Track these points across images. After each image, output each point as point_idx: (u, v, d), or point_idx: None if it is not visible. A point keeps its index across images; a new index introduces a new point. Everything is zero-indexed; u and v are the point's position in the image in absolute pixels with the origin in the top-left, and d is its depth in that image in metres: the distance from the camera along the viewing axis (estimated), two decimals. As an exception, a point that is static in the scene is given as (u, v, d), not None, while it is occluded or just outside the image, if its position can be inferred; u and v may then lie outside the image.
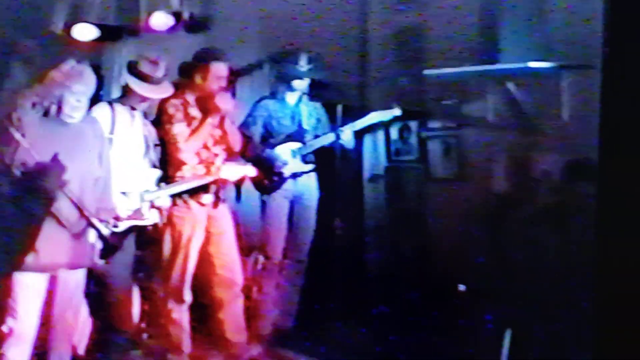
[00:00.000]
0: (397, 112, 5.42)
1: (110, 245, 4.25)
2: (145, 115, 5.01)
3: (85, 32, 6.00)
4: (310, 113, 5.57)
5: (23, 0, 5.94)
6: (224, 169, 5.12)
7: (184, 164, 5.06)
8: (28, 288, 4.10)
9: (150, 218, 4.89)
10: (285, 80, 5.47)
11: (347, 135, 5.39)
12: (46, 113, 4.11)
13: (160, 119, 5.07)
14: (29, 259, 4.03)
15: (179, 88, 5.05)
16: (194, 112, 5.10)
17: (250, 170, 5.23)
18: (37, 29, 6.03)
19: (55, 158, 3.99)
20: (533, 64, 4.89)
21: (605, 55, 3.07)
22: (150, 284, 5.26)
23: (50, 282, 4.18)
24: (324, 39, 5.61)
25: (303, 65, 5.39)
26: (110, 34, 6.08)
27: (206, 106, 5.07)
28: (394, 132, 5.60)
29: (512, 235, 4.97)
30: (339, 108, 5.32)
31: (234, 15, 5.84)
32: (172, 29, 5.92)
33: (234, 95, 5.48)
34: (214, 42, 5.69)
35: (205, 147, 5.12)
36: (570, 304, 4.23)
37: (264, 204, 5.51)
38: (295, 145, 5.50)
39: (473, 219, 5.09)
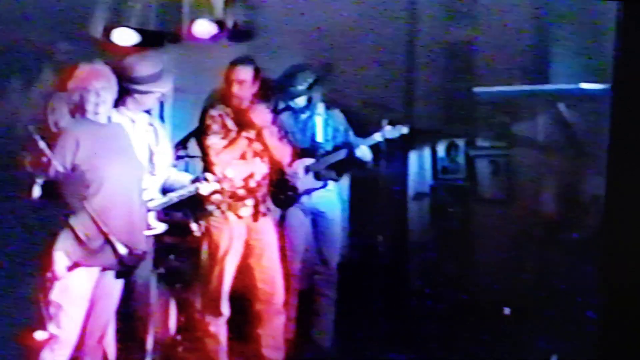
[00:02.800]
0: (404, 130, 5.32)
1: (126, 266, 4.15)
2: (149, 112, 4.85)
3: (125, 36, 5.87)
4: (326, 122, 5.49)
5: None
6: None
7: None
8: (73, 292, 4.01)
9: (158, 228, 4.69)
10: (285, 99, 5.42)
11: (363, 150, 5.35)
12: (76, 114, 4.08)
13: (200, 129, 5.01)
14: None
15: (219, 98, 4.98)
16: (231, 124, 5.05)
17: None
18: (74, 32, 5.94)
19: (75, 169, 3.94)
20: (585, 85, 4.84)
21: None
22: (187, 296, 5.19)
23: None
24: (372, 52, 5.56)
25: (300, 84, 5.32)
26: (151, 39, 5.96)
27: (242, 120, 5.01)
28: (440, 150, 5.53)
29: (558, 259, 4.90)
30: (384, 122, 5.25)
31: (279, 26, 5.76)
32: (215, 38, 5.82)
33: (274, 108, 5.40)
34: (257, 53, 5.60)
35: (243, 158, 5.05)
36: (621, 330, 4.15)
37: (282, 218, 5.43)
38: (308, 161, 5.42)
39: (519, 242, 5.02)
